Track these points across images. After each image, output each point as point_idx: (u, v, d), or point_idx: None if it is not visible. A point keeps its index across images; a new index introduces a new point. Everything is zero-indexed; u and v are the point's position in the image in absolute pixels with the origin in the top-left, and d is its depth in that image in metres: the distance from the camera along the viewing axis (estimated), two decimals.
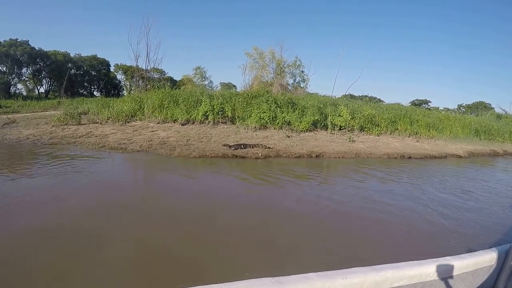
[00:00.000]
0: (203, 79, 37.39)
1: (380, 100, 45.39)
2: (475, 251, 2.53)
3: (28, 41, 33.18)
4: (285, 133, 15.85)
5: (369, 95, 49.59)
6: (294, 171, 9.91)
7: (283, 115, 17.10)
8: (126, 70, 39.78)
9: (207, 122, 16.50)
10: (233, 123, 17.00)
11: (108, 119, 16.39)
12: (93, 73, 41.83)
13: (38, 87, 37.33)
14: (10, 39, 31.77)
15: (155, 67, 28.08)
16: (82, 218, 5.16)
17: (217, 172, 9.51)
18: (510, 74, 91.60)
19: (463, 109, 56.28)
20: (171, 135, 13.82)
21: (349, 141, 15.75)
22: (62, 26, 73.82)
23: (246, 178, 8.78)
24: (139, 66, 26.69)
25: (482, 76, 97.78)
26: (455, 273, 2.18)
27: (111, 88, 43.63)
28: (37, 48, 33.52)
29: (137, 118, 16.92)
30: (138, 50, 27.29)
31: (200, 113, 16.42)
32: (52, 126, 14.63)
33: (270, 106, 17.13)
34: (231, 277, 1.64)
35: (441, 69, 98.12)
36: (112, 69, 44.45)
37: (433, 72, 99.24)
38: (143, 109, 17.29)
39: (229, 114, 17.04)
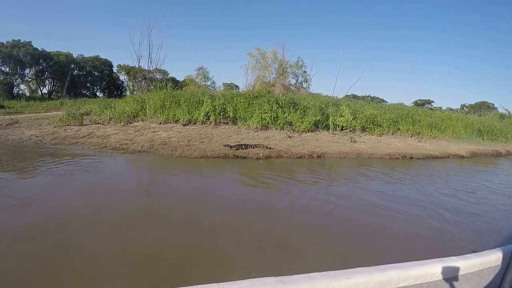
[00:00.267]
0: (206, 79, 37.48)
1: (383, 100, 45.27)
2: (481, 251, 2.51)
3: (31, 42, 33.25)
4: (287, 133, 15.85)
5: (372, 95, 49.42)
6: (294, 171, 9.91)
7: (284, 115, 17.10)
8: (129, 70, 39.82)
9: (208, 122, 16.54)
10: (234, 124, 17.02)
11: (110, 120, 16.45)
12: (96, 73, 41.82)
13: (41, 88, 37.42)
14: (13, 40, 31.84)
15: (157, 67, 28.18)
16: (73, 218, 5.19)
17: (218, 172, 9.54)
18: None
19: (466, 109, 55.95)
20: (173, 136, 13.85)
21: (350, 141, 15.73)
22: (64, 27, 73.96)
23: (247, 179, 8.80)
24: (142, 67, 26.80)
25: (486, 76, 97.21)
26: (460, 273, 2.16)
27: (114, 89, 43.67)
28: (40, 49, 33.58)
29: (139, 119, 16.97)
30: (140, 51, 27.41)
31: (202, 114, 16.45)
32: (55, 126, 14.70)
33: (272, 106, 17.13)
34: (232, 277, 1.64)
35: (445, 69, 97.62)
36: (115, 69, 44.49)
37: (436, 72, 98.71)
38: (145, 109, 17.33)
39: (231, 114, 17.08)
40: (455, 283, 2.17)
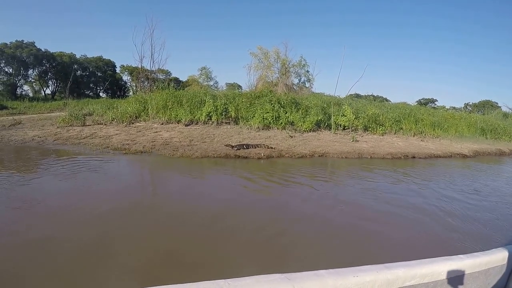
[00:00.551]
0: (209, 79, 37.48)
1: (386, 99, 45.19)
2: (487, 250, 2.50)
3: (34, 42, 33.49)
4: (288, 133, 15.84)
5: (375, 94, 49.31)
6: (295, 171, 9.89)
7: (286, 115, 17.09)
8: (132, 71, 39.92)
9: (210, 122, 16.57)
10: (236, 124, 17.04)
11: (112, 120, 16.53)
12: (99, 74, 42.02)
13: (44, 89, 37.63)
14: (16, 41, 32.06)
15: (160, 67, 28.22)
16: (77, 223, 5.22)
17: (218, 172, 9.56)
18: None
19: (470, 108, 55.72)
20: (174, 136, 13.88)
21: (352, 141, 15.69)
22: (67, 27, 74.24)
23: (247, 178, 8.79)
24: (144, 67, 26.88)
25: (489, 75, 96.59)
26: (467, 272, 2.16)
27: (117, 89, 43.84)
28: (43, 50, 33.79)
29: (141, 119, 17.04)
30: (143, 51, 27.44)
31: (204, 114, 16.48)
32: (57, 127, 14.79)
33: (274, 106, 17.13)
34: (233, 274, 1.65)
35: (448, 68, 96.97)
36: (118, 70, 44.69)
37: (440, 71, 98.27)
38: (147, 110, 17.40)
39: (233, 114, 17.09)
40: (462, 282, 2.17)
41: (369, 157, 13.20)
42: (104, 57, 42.75)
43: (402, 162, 12.97)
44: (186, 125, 16.07)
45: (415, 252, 4.68)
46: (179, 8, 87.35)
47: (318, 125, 17.81)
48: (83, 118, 15.91)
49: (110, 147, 11.57)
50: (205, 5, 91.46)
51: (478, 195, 8.36)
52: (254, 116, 16.81)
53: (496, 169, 13.96)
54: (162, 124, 16.26)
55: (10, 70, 31.43)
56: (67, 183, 7.19)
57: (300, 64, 30.79)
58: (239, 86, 42.76)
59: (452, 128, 22.30)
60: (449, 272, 2.06)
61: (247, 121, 16.87)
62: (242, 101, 17.73)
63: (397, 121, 20.25)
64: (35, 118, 17.82)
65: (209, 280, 1.49)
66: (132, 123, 16.34)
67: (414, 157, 14.24)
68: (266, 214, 5.99)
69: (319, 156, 12.54)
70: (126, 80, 45.59)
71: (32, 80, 36.29)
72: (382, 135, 18.60)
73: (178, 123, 16.42)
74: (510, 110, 40.60)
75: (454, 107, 52.66)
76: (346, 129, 18.26)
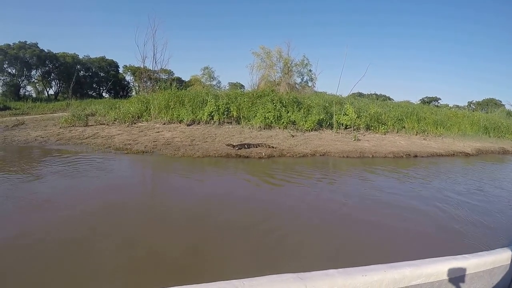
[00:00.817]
0: (211, 79, 37.49)
1: (389, 98, 45.01)
2: (492, 249, 2.51)
3: (37, 43, 33.60)
4: (290, 132, 15.85)
5: (378, 93, 49.11)
6: (295, 170, 9.89)
7: (288, 114, 17.08)
8: (135, 71, 39.95)
9: (212, 122, 16.59)
10: (238, 123, 17.05)
11: (115, 120, 16.60)
12: (102, 74, 42.07)
13: (48, 89, 37.73)
14: (19, 42, 32.16)
15: (163, 67, 28.29)
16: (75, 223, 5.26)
17: (218, 171, 9.59)
18: None
19: (473, 106, 55.41)
20: (176, 136, 13.92)
21: (354, 140, 15.67)
22: (70, 28, 74.58)
23: (248, 177, 8.82)
24: (147, 67, 26.94)
25: (493, 73, 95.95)
26: (472, 271, 2.18)
27: (120, 89, 43.90)
28: (46, 51, 33.88)
29: (144, 119, 17.09)
30: (145, 51, 27.55)
31: (206, 114, 16.51)
32: (60, 127, 14.88)
33: (275, 105, 17.13)
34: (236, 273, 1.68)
35: (452, 67, 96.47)
36: (121, 70, 44.79)
37: (443, 70, 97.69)
38: (149, 110, 17.46)
39: (235, 114, 17.10)
40: (466, 282, 2.19)
41: (371, 156, 13.18)
42: (107, 58, 42.91)
43: (404, 161, 12.95)
44: (188, 125, 16.11)
45: (417, 253, 4.69)
46: (181, 7, 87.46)
47: (320, 125, 17.81)
48: (85, 119, 15.99)
49: (112, 147, 11.63)
50: (207, 5, 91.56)
51: (482, 194, 8.34)
52: (256, 115, 16.81)
53: (499, 168, 13.90)
54: (164, 124, 16.31)
55: (13, 70, 31.55)
56: (67, 183, 7.25)
57: (303, 63, 30.80)
58: (242, 86, 42.74)
59: (455, 126, 22.22)
60: (454, 271, 2.10)
61: (249, 121, 16.87)
62: (244, 101, 17.74)
63: (399, 119, 20.20)
64: (38, 118, 17.93)
65: (226, 280, 1.55)
66: (134, 123, 16.40)
67: (416, 156, 14.20)
68: (266, 213, 6.00)
69: (320, 155, 12.54)
70: (129, 80, 45.70)
71: (35, 81, 36.42)
72: (384, 134, 18.55)
73: (180, 123, 16.46)
74: None
75: (458, 105, 52.38)
76: (348, 128, 18.23)
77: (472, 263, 2.16)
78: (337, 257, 4.44)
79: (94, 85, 41.87)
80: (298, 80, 32.19)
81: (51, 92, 37.89)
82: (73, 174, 7.95)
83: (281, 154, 12.05)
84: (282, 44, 37.68)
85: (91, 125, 15.70)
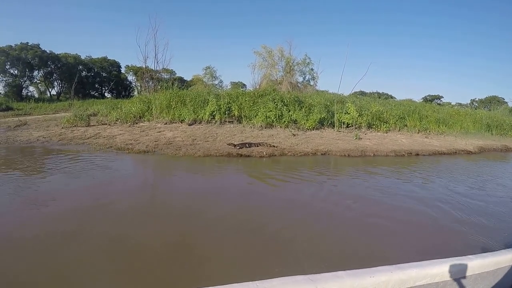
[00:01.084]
0: (213, 78, 37.60)
1: (391, 97, 44.95)
2: (496, 250, 2.53)
3: (39, 44, 33.81)
4: (291, 131, 15.85)
5: (380, 92, 49.04)
6: (295, 169, 9.90)
7: (289, 113, 17.07)
8: (137, 71, 40.13)
9: (214, 121, 16.61)
10: (240, 123, 17.07)
11: (116, 121, 16.66)
12: (104, 74, 42.27)
13: (50, 90, 37.95)
14: (21, 43, 32.40)
15: (164, 67, 28.38)
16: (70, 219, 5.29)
17: (218, 170, 9.61)
18: None
19: (476, 104, 55.27)
20: (178, 135, 13.95)
21: (355, 138, 15.65)
22: (72, 29, 74.94)
23: (247, 176, 8.84)
24: (148, 67, 27.03)
25: (496, 71, 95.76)
26: (476, 272, 2.22)
27: (122, 89, 44.10)
28: (48, 51, 34.09)
29: (145, 119, 17.15)
30: (147, 51, 27.63)
31: (207, 113, 16.53)
32: (62, 128, 14.97)
33: (277, 104, 17.12)
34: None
35: (454, 65, 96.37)
36: (123, 70, 44.99)
37: (446, 68, 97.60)
38: (151, 110, 17.50)
39: (236, 113, 17.12)
40: (470, 282, 2.22)
41: (372, 154, 13.17)
42: (109, 58, 43.10)
43: (406, 160, 12.91)
44: (190, 125, 16.14)
45: (421, 250, 4.70)
46: (183, 6, 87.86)
47: (321, 123, 17.79)
48: (87, 119, 16.07)
49: (113, 147, 11.67)
50: (209, 4, 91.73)
51: (484, 191, 8.32)
52: (257, 114, 16.81)
53: (501, 165, 13.86)
54: (166, 123, 16.35)
55: (16, 71, 31.76)
56: (67, 182, 7.29)
57: (305, 62, 30.81)
58: (244, 85, 42.84)
59: (457, 124, 22.12)
60: (458, 272, 2.13)
61: (250, 120, 16.88)
62: (245, 100, 17.75)
63: (401, 118, 20.14)
64: (40, 119, 18.04)
65: (240, 282, 1.59)
66: (136, 123, 16.45)
67: (418, 154, 14.17)
68: (265, 213, 6.02)
69: (321, 154, 12.53)
70: (131, 80, 45.90)
71: (37, 81, 36.65)
72: (386, 132, 18.51)
73: (181, 123, 16.49)
74: None
75: (460, 103, 52.34)
76: (350, 126, 18.20)
77: (476, 264, 2.19)
78: (343, 259, 4.44)
79: (96, 85, 42.08)
80: (300, 79, 32.25)
81: (53, 92, 38.13)
82: (74, 174, 7.98)
83: (282, 153, 12.07)
84: (284, 43, 37.75)
85: (93, 125, 15.78)
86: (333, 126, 17.84)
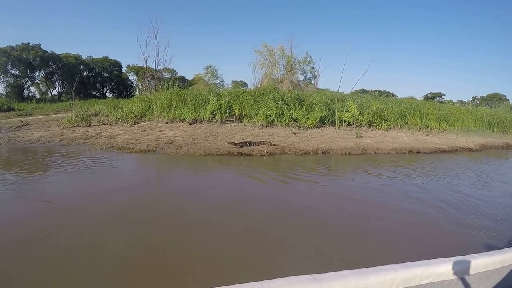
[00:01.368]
0: (215, 77, 37.58)
1: (392, 95, 44.80)
2: (501, 248, 2.54)
3: (40, 45, 33.81)
4: (292, 130, 15.84)
5: (381, 90, 48.95)
6: (296, 168, 9.92)
7: (290, 112, 17.08)
8: (138, 70, 40.16)
9: (214, 120, 16.63)
10: (240, 121, 17.09)
11: (117, 120, 16.68)
12: (105, 74, 42.27)
13: (51, 90, 38.00)
14: (22, 43, 32.43)
15: (165, 67, 28.39)
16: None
17: (219, 169, 9.66)
18: None
19: (478, 102, 55.12)
20: (178, 135, 13.97)
21: (356, 136, 15.63)
22: (73, 28, 75.02)
23: (247, 176, 8.85)
24: (149, 67, 27.04)
25: (497, 68, 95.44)
26: (481, 270, 2.22)
27: (123, 89, 44.11)
28: (49, 52, 34.10)
29: (146, 119, 17.18)
30: (148, 51, 27.60)
31: (208, 112, 16.56)
32: (63, 128, 14.98)
33: (277, 103, 17.13)
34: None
35: (456, 62, 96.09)
36: (124, 70, 44.99)
37: (447, 65, 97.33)
38: (152, 109, 17.53)
39: (237, 112, 17.13)
40: (475, 281, 2.22)
41: (373, 152, 13.17)
42: (110, 58, 43.11)
43: (407, 157, 12.89)
44: (191, 124, 16.16)
45: (421, 248, 4.71)
46: (183, 5, 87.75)
47: (322, 122, 17.80)
48: (88, 119, 16.10)
49: (114, 147, 11.69)
50: (210, 4, 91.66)
51: (485, 189, 8.32)
52: (258, 113, 16.83)
53: (502, 162, 13.84)
54: (167, 123, 16.37)
55: (17, 72, 31.80)
56: (67, 181, 7.33)
57: (306, 60, 30.82)
58: (245, 84, 42.83)
59: (458, 122, 22.09)
60: (463, 271, 2.13)
61: (251, 119, 16.90)
62: (246, 99, 17.76)
63: (402, 116, 20.15)
64: (41, 119, 18.05)
65: (246, 282, 1.59)
66: (137, 123, 16.48)
67: (419, 152, 14.15)
68: (265, 213, 6.03)
69: (322, 152, 12.52)
70: (132, 80, 45.95)
71: (38, 82, 36.69)
72: (387, 130, 18.50)
73: (182, 122, 16.52)
74: None
75: (462, 101, 52.14)
76: (351, 125, 18.16)
77: (481, 262, 2.19)
78: (344, 258, 4.45)
79: (98, 85, 42.10)
80: (301, 77, 32.24)
81: (55, 92, 38.21)
82: (74, 173, 8.03)
83: (283, 152, 12.08)
84: (284, 41, 37.80)
85: (94, 125, 15.80)
86: (334, 124, 17.84)
